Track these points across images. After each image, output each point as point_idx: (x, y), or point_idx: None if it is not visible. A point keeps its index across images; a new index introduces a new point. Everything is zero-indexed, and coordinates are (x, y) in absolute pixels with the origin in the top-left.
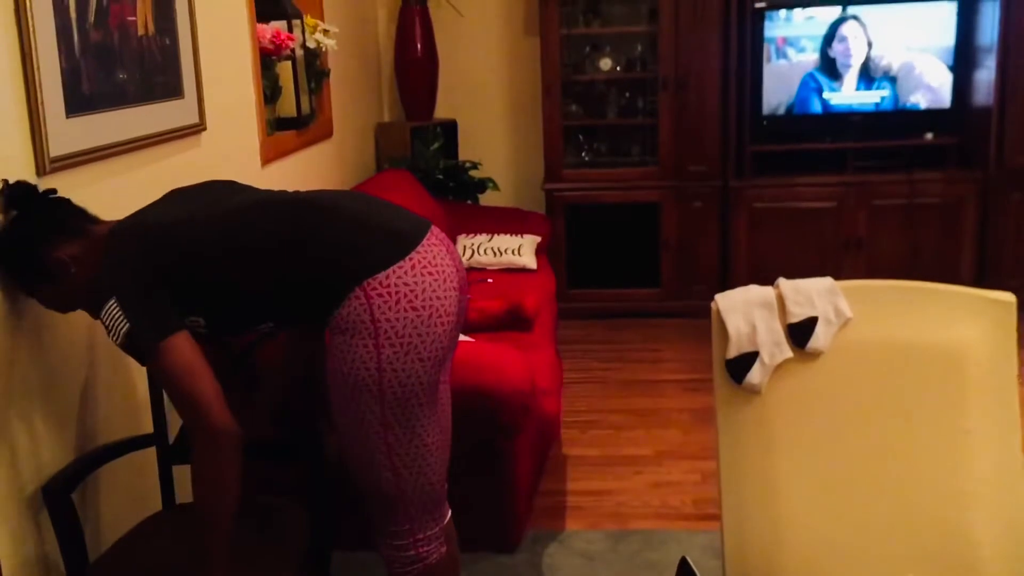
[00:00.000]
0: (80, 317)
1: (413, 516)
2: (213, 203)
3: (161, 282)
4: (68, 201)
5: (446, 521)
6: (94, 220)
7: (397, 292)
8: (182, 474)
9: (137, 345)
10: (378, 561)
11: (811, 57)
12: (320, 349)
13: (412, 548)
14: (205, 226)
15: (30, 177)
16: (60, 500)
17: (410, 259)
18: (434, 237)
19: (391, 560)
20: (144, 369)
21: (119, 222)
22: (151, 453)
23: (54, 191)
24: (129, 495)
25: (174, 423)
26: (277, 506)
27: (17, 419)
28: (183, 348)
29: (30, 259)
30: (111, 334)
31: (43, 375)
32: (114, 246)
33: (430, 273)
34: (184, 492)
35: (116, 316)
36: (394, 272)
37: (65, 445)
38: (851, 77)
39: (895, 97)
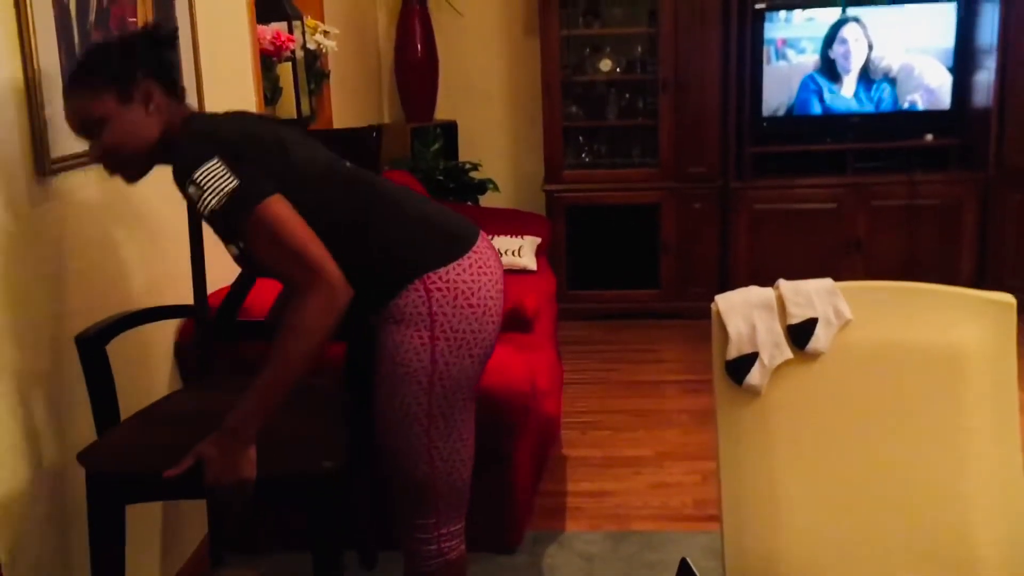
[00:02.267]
0: (82, 311)
1: (440, 510)
2: (310, 148)
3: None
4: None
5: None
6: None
7: (455, 288)
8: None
9: (237, 207)
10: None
11: (811, 58)
12: None
13: (436, 542)
14: (302, 168)
15: (29, 178)
16: (93, 350)
17: (468, 258)
18: (485, 241)
19: (414, 553)
20: (186, 243)
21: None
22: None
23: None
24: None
25: (218, 279)
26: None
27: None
28: (288, 205)
29: (124, 63)
30: (206, 195)
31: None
32: (220, 122)
33: (484, 273)
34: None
35: (218, 175)
36: (453, 269)
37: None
38: (851, 79)
39: (895, 98)
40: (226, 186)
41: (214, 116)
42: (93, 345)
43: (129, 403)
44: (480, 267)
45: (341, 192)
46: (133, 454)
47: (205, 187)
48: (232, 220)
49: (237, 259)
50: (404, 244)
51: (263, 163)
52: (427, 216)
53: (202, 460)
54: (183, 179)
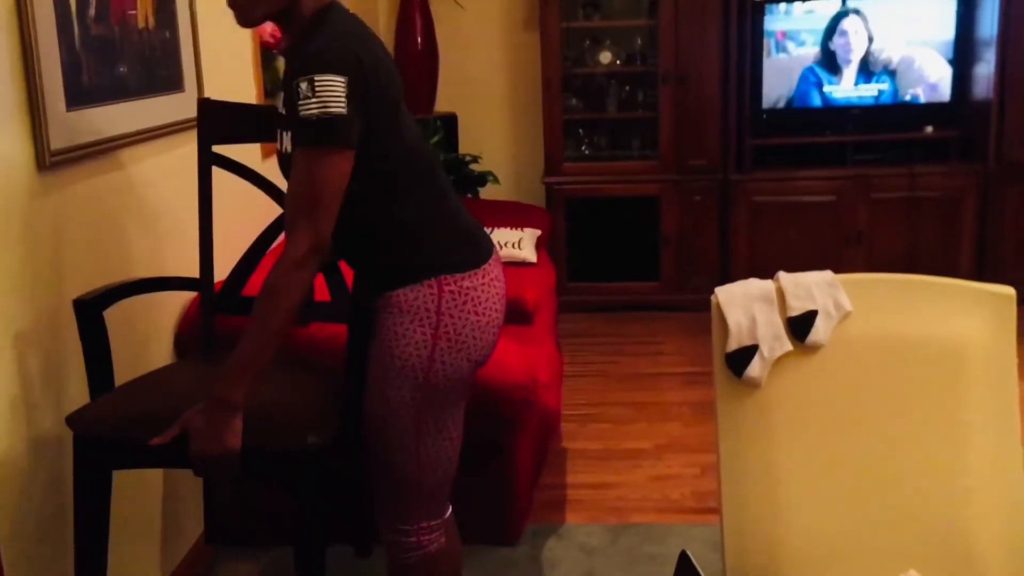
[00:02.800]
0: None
1: (421, 504)
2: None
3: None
4: None
5: (447, 515)
6: None
7: (465, 295)
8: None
9: (322, 131)
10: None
11: (811, 51)
12: None
13: (415, 535)
14: (400, 133)
15: (31, 172)
16: (90, 314)
17: (483, 269)
18: (497, 255)
19: (393, 544)
20: (189, 236)
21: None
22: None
23: None
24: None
25: (220, 272)
26: None
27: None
28: (346, 171)
29: None
30: (313, 101)
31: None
32: (369, 43)
33: (493, 286)
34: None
35: (336, 94)
36: (469, 277)
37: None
38: (851, 71)
39: (895, 91)
40: (333, 108)
41: (363, 29)
42: (91, 309)
43: (126, 375)
44: (491, 280)
45: (410, 164)
46: (122, 420)
47: (318, 94)
48: (308, 134)
49: (279, 155)
50: (433, 240)
51: (373, 110)
52: (460, 219)
53: (188, 429)
54: (304, 69)
